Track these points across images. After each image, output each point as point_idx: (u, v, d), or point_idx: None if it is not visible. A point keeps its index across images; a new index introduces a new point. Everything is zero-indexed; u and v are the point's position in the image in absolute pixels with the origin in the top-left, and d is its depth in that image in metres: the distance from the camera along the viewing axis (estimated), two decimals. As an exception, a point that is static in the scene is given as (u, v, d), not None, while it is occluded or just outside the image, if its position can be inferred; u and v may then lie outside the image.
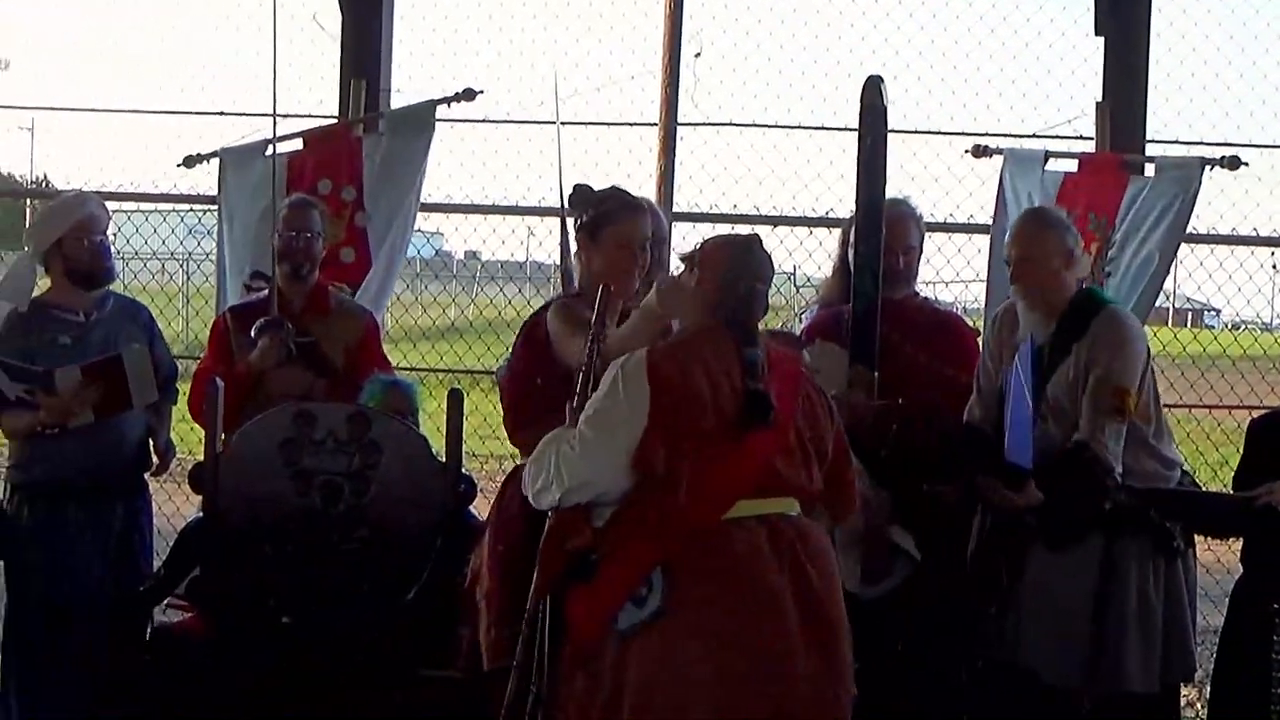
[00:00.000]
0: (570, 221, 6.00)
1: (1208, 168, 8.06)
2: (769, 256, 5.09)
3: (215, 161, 8.70)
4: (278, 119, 7.68)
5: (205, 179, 8.76)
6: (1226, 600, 6.26)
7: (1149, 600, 6.03)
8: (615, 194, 5.78)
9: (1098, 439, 5.91)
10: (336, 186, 8.42)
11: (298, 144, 8.60)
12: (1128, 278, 7.86)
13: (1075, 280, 6.24)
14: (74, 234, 6.79)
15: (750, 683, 4.66)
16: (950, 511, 6.32)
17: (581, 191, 5.76)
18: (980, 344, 6.60)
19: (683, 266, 5.15)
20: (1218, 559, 7.65)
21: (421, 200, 8.79)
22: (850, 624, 4.94)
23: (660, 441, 4.78)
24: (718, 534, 4.75)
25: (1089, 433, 5.93)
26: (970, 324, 7.18)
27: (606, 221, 5.66)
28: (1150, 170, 8.24)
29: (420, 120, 8.61)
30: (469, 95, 8.58)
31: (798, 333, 6.79)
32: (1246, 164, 8.18)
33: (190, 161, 8.77)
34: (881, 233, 6.44)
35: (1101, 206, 8.07)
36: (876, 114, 6.50)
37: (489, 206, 9.55)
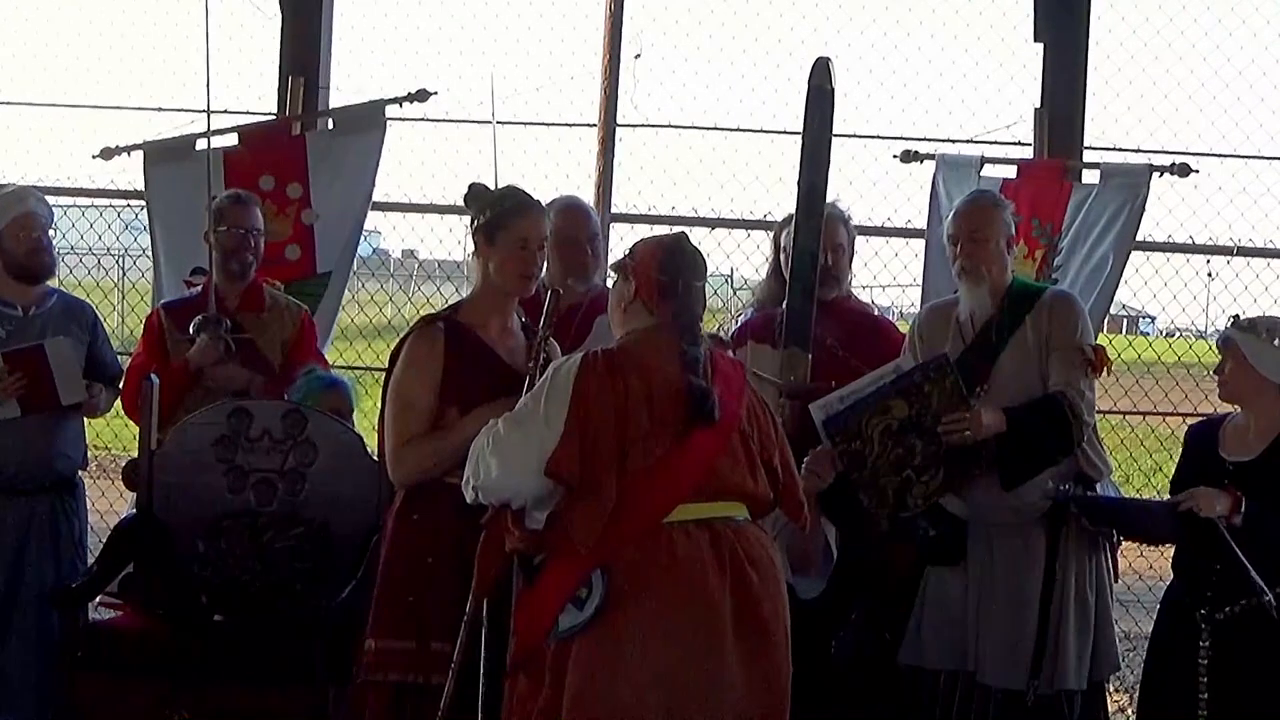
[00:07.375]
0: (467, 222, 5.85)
1: (1156, 174, 8.13)
2: (700, 252, 5.06)
3: (141, 156, 8.63)
4: (211, 114, 7.62)
5: (140, 174, 8.66)
6: (1157, 606, 6.31)
7: (1085, 597, 6.12)
8: (512, 193, 5.57)
9: (1073, 387, 6.03)
10: (280, 183, 8.37)
11: (232, 139, 8.54)
12: (1078, 285, 7.87)
13: (1011, 262, 6.36)
14: (12, 229, 6.74)
15: (685, 687, 4.64)
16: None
17: (477, 191, 5.56)
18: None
19: (615, 277, 5.11)
20: (1150, 565, 7.68)
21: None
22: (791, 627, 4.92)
23: (577, 451, 4.72)
24: (658, 537, 4.71)
25: (1064, 383, 6.05)
26: (902, 329, 7.18)
27: (504, 221, 5.45)
28: (1093, 177, 8.28)
29: (371, 120, 8.57)
30: (422, 96, 8.54)
31: (732, 334, 6.77)
32: (1196, 171, 8.24)
33: (108, 153, 8.63)
34: (822, 218, 6.42)
35: (1045, 212, 8.12)
36: (823, 96, 6.46)
37: (426, 205, 9.52)
